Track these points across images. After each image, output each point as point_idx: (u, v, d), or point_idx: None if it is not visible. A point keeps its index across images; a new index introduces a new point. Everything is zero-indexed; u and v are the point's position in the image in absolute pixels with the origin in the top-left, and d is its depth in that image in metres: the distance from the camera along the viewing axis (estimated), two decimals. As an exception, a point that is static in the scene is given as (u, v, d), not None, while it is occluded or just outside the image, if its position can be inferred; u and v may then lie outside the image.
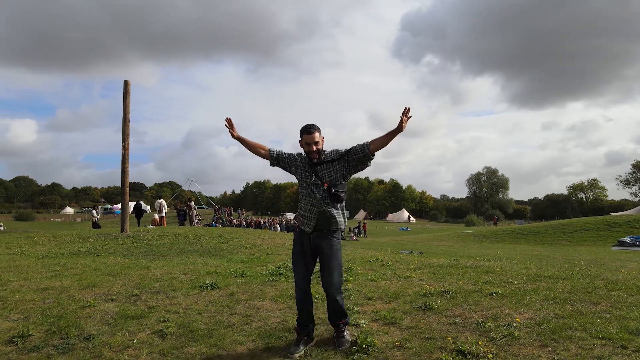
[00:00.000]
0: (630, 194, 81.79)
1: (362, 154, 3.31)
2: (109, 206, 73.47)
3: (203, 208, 64.16)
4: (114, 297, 4.69)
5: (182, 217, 22.98)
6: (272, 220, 41.34)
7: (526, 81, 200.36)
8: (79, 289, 5.08)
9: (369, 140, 3.33)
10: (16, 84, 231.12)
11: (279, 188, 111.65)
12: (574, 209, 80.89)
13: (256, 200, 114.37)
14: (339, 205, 3.40)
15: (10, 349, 3.42)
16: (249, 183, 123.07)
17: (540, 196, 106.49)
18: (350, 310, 4.12)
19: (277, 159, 3.55)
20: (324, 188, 3.34)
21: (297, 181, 3.55)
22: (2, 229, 35.48)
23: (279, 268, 6.28)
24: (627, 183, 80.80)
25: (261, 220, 39.98)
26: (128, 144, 11.87)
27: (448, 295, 4.49)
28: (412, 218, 76.06)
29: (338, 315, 3.39)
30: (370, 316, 3.97)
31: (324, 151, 3.44)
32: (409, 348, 3.20)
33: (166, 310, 4.25)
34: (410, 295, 4.58)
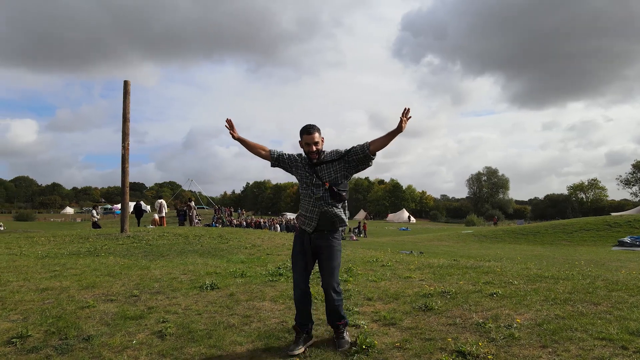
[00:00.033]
0: (631, 194, 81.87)
1: (362, 155, 3.31)
2: (109, 206, 73.51)
3: (203, 208, 64.18)
4: (114, 298, 4.68)
5: (182, 217, 22.97)
6: (272, 220, 41.33)
7: (527, 81, 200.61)
8: (79, 289, 5.07)
9: (369, 141, 3.32)
10: (16, 84, 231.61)
11: (279, 188, 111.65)
12: (574, 209, 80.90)
13: (256, 200, 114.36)
14: (340, 205, 3.39)
15: (9, 349, 3.41)
16: (249, 183, 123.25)
17: (541, 196, 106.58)
18: (350, 310, 4.11)
19: (278, 160, 3.55)
20: (325, 188, 3.33)
21: (297, 181, 3.54)
22: (2, 229, 35.49)
23: (279, 268, 6.27)
24: (627, 183, 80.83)
25: (261, 220, 39.97)
26: (128, 144, 11.87)
27: (448, 296, 4.48)
28: (412, 218, 76.04)
29: (337, 316, 3.38)
30: (370, 317, 3.96)
31: (324, 151, 3.44)
32: (409, 349, 3.19)
33: (165, 310, 4.24)
34: (410, 296, 4.57)
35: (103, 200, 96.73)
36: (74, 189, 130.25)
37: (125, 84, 12.08)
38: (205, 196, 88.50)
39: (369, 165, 3.37)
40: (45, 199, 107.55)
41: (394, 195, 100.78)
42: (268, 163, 3.60)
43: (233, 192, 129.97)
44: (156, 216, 19.48)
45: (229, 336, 3.56)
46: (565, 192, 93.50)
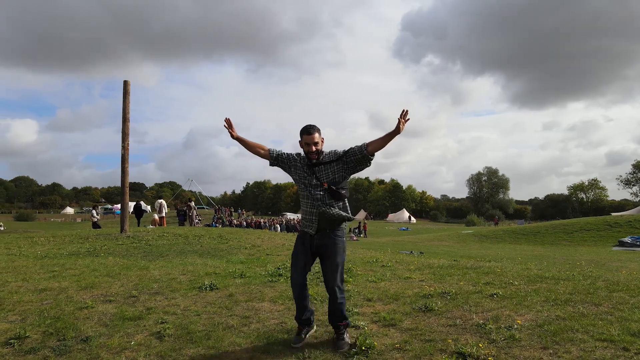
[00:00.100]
0: (631, 194, 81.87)
1: (360, 155, 3.31)
2: (109, 206, 73.58)
3: (203, 208, 64.20)
4: (112, 298, 4.66)
5: (182, 217, 22.96)
6: (272, 220, 41.31)
7: (527, 81, 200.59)
8: (77, 290, 5.05)
9: (367, 142, 3.32)
10: (16, 84, 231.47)
11: (279, 188, 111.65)
12: (575, 209, 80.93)
13: (256, 200, 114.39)
14: (341, 204, 3.39)
15: (7, 350, 3.39)
16: (249, 183, 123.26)
17: (541, 196, 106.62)
18: (349, 311, 4.09)
19: (277, 159, 3.55)
20: (324, 188, 3.33)
21: (294, 182, 3.54)
22: (2, 229, 35.49)
23: (279, 269, 6.25)
24: (627, 183, 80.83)
25: (261, 220, 39.95)
26: (128, 144, 11.85)
27: (448, 297, 4.46)
28: (412, 218, 76.03)
29: (339, 316, 3.37)
30: (370, 318, 3.94)
31: (322, 152, 3.43)
32: (408, 350, 3.17)
33: (164, 311, 4.22)
34: (410, 297, 4.56)
35: (103, 200, 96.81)
36: (74, 189, 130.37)
37: (125, 84, 12.06)
38: (206, 196, 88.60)
39: (367, 166, 3.36)
40: (46, 199, 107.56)
41: (394, 195, 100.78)
42: (267, 163, 3.60)
43: (233, 192, 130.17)
44: (156, 216, 19.46)
45: (227, 337, 3.54)
46: (566, 192, 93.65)
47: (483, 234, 28.19)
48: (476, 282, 5.11)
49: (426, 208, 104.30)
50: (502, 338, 3.26)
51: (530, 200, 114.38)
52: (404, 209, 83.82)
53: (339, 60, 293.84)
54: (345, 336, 3.34)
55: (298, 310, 3.48)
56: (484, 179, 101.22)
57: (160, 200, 20.10)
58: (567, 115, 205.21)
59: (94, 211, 21.91)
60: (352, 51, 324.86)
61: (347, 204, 3.48)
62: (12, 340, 3.51)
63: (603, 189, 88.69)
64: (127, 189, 12.02)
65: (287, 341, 3.45)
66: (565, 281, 5.04)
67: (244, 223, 36.06)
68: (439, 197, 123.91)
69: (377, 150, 3.30)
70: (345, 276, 5.59)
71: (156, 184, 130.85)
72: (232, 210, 45.72)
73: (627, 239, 21.02)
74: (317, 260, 3.51)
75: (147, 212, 30.29)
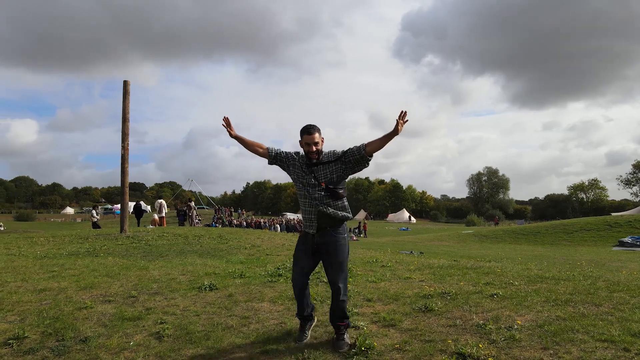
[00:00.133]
0: (631, 194, 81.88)
1: (358, 156, 3.31)
2: (109, 206, 73.56)
3: (203, 208, 64.16)
4: (112, 299, 4.65)
5: (182, 217, 22.95)
6: (273, 220, 41.29)
7: (527, 81, 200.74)
8: (77, 290, 5.04)
9: (366, 142, 3.32)
10: (16, 84, 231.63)
11: (279, 188, 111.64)
12: (575, 209, 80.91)
13: (256, 200, 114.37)
14: (339, 203, 3.39)
15: (5, 351, 3.38)
16: (249, 183, 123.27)
17: (541, 196, 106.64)
18: (349, 312, 4.06)
19: (276, 158, 3.56)
20: (321, 188, 3.34)
21: (292, 181, 3.56)
22: (2, 229, 35.47)
23: (278, 269, 6.23)
24: (627, 183, 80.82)
25: (261, 220, 39.93)
26: (127, 144, 11.84)
27: (448, 297, 4.45)
28: (412, 218, 76.04)
29: (340, 315, 3.37)
30: (370, 318, 3.93)
31: (322, 152, 3.44)
32: (408, 351, 3.16)
33: (164, 311, 4.21)
34: (410, 297, 4.54)
35: (103, 200, 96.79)
36: (74, 189, 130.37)
37: (125, 84, 12.05)
38: (206, 196, 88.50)
39: (365, 167, 3.37)
40: (46, 199, 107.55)
41: (394, 195, 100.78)
42: (267, 162, 3.61)
43: (233, 192, 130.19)
44: (156, 216, 19.45)
45: (227, 337, 3.53)
46: (566, 192, 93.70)
47: (483, 234, 28.19)
48: (476, 283, 5.10)
49: (426, 208, 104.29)
50: (503, 338, 3.25)
51: (530, 200, 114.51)
52: (404, 209, 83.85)
53: (339, 60, 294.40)
54: (345, 336, 3.34)
55: (299, 308, 3.51)
56: (484, 179, 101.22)
57: (160, 200, 20.09)
58: (567, 115, 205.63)
59: (93, 211, 21.89)
60: (352, 51, 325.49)
61: (346, 202, 3.48)
62: (10, 341, 3.50)
63: (603, 189, 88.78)
64: (127, 189, 12.01)
65: (286, 341, 3.44)
66: (565, 281, 5.03)
67: (244, 223, 36.04)
68: (439, 197, 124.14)
69: (375, 151, 3.31)
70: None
71: (156, 184, 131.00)
72: (232, 210, 45.70)
73: (627, 239, 21.02)
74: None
75: (147, 212, 30.30)
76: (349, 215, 3.45)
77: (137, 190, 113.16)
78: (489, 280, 5.18)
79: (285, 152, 3.58)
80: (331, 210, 3.34)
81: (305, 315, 3.52)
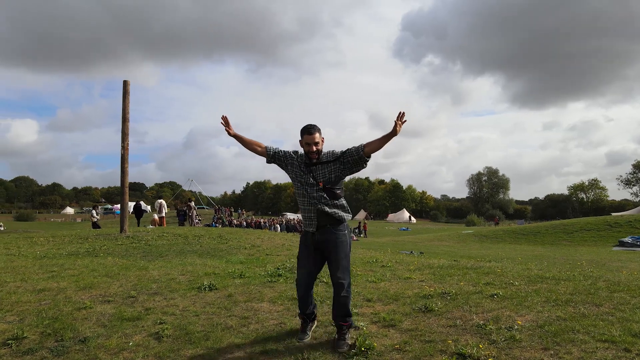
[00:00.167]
0: (631, 194, 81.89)
1: (357, 156, 3.33)
2: (109, 206, 73.55)
3: (203, 208, 64.16)
4: (111, 299, 4.64)
5: (182, 217, 22.94)
6: (273, 220, 41.28)
7: (527, 81, 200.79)
8: (76, 290, 5.03)
9: (364, 143, 3.34)
10: (16, 84, 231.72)
11: (279, 188, 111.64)
12: (575, 209, 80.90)
13: (256, 200, 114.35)
14: (337, 202, 3.40)
15: (4, 351, 3.37)
16: (249, 183, 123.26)
17: (541, 196, 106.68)
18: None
19: (274, 157, 3.58)
20: (319, 188, 3.36)
21: (290, 179, 3.57)
22: (2, 229, 35.46)
23: (278, 269, 6.22)
24: (627, 183, 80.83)
25: (261, 220, 39.92)
26: (127, 144, 11.83)
27: (448, 297, 4.44)
28: (412, 218, 76.03)
29: (344, 312, 3.36)
30: (370, 318, 3.92)
31: (322, 152, 3.45)
32: (408, 351, 3.15)
33: (163, 312, 4.20)
34: (410, 297, 4.53)
35: (103, 200, 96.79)
36: (74, 189, 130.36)
37: (125, 83, 12.04)
38: (206, 196, 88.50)
39: (363, 167, 3.39)
40: (46, 199, 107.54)
41: (394, 195, 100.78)
42: (270, 164, 3.63)
43: (233, 192, 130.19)
44: (156, 216, 19.44)
45: (226, 338, 3.52)
46: (566, 192, 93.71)
47: (483, 234, 28.18)
48: (476, 283, 5.09)
49: (426, 208, 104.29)
50: (503, 339, 3.24)
51: (531, 200, 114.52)
52: (404, 209, 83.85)
53: (339, 60, 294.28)
54: (346, 336, 3.33)
55: (302, 307, 3.51)
56: (484, 179, 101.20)
57: (160, 200, 20.08)
58: (567, 115, 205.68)
59: (93, 211, 21.88)
60: (352, 51, 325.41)
61: (344, 202, 3.49)
62: (9, 341, 3.49)
63: (603, 189, 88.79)
64: (127, 189, 11.99)
65: (286, 342, 3.43)
66: (565, 281, 5.02)
67: (244, 223, 36.03)
68: (439, 197, 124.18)
69: (373, 152, 3.33)
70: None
71: (156, 184, 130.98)
72: (232, 210, 45.69)
73: (628, 239, 21.01)
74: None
75: (147, 212, 30.30)
76: (347, 214, 3.47)
77: (137, 190, 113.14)
78: (489, 281, 5.17)
79: (284, 151, 3.60)
80: (328, 209, 3.35)
81: (307, 314, 3.52)
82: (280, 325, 3.80)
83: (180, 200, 75.65)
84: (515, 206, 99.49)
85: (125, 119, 11.85)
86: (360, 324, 3.73)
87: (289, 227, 35.30)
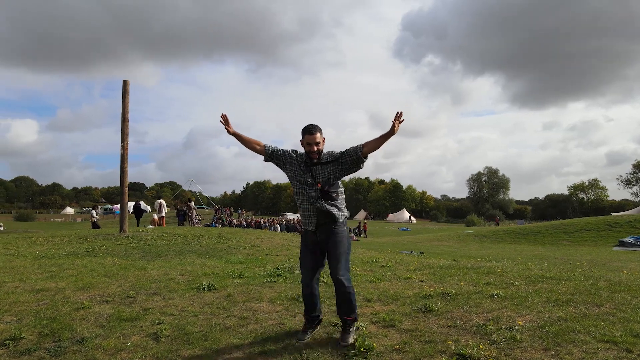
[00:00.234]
0: (631, 194, 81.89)
1: (355, 157, 3.34)
2: (109, 206, 73.53)
3: (203, 208, 64.16)
4: (109, 299, 4.62)
5: (182, 217, 22.91)
6: (272, 220, 41.24)
7: (527, 81, 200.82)
8: (74, 290, 5.01)
9: (363, 143, 3.35)
10: (16, 84, 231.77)
11: (279, 188, 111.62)
12: (575, 209, 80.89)
13: (256, 200, 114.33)
14: (335, 202, 3.42)
15: (1, 351, 3.35)
16: (249, 183, 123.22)
17: (541, 196, 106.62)
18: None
19: (272, 156, 3.59)
20: (317, 188, 3.38)
21: (289, 179, 3.58)
22: (2, 229, 35.43)
23: (278, 269, 6.20)
24: (627, 183, 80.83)
25: (261, 220, 39.89)
26: (127, 143, 11.81)
27: (448, 297, 4.41)
28: (412, 218, 76.02)
29: (348, 307, 3.37)
30: (369, 318, 3.90)
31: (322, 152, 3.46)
32: (408, 352, 3.12)
33: (161, 312, 4.18)
34: (410, 297, 4.51)
35: (103, 200, 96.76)
36: (74, 189, 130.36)
37: (124, 83, 12.02)
38: (206, 196, 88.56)
39: (360, 168, 3.40)
40: (46, 199, 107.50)
41: (394, 195, 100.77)
42: (270, 164, 3.64)
43: (233, 192, 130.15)
44: (155, 216, 19.44)
45: (225, 338, 3.50)
46: (566, 192, 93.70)
47: (483, 234, 28.17)
48: (477, 283, 5.06)
49: (426, 208, 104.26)
50: (503, 339, 3.22)
51: (531, 200, 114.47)
52: (404, 209, 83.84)
53: (339, 60, 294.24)
54: (351, 329, 3.36)
55: (307, 307, 3.53)
56: (484, 179, 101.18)
57: (159, 200, 20.08)
58: (567, 115, 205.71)
59: (93, 211, 21.87)
60: (352, 51, 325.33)
61: (342, 201, 3.51)
62: (7, 342, 3.47)
63: (603, 189, 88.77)
64: (126, 189, 11.98)
65: (285, 342, 3.41)
66: (566, 281, 5.00)
67: (244, 223, 36.01)
68: (439, 197, 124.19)
69: (371, 152, 3.33)
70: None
71: (156, 184, 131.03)
72: (232, 210, 45.67)
73: (628, 239, 21.00)
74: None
75: (146, 212, 30.30)
76: (346, 212, 3.50)
77: (137, 190, 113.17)
78: (490, 281, 5.15)
79: (283, 149, 3.61)
80: (328, 207, 3.37)
81: (312, 316, 3.53)
82: (280, 326, 3.78)
83: (180, 200, 75.64)
84: (515, 206, 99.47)
85: (124, 119, 11.83)
86: (360, 324, 3.71)
87: (288, 227, 35.27)
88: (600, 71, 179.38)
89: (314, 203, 3.36)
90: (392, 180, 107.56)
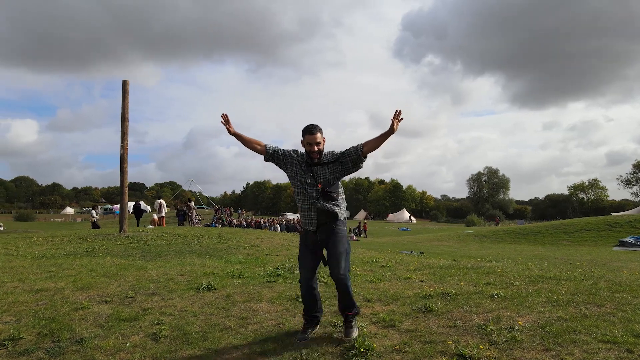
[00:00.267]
0: (631, 194, 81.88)
1: (355, 157, 3.36)
2: (109, 206, 73.52)
3: (203, 208, 64.14)
4: (108, 299, 4.61)
5: (182, 217, 22.90)
6: (272, 220, 41.22)
7: (527, 81, 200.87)
8: (74, 290, 5.00)
9: (363, 142, 3.35)
10: (16, 84, 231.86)
11: (279, 188, 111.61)
12: (575, 209, 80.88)
13: (256, 200, 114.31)
14: (335, 202, 3.43)
15: (0, 352, 3.34)
16: (249, 183, 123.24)
17: (541, 196, 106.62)
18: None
19: (272, 156, 3.59)
20: (317, 188, 3.38)
21: (289, 179, 3.58)
22: (2, 229, 35.41)
23: (277, 269, 6.19)
24: (627, 183, 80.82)
25: (261, 220, 39.87)
26: (127, 143, 11.79)
27: (448, 297, 4.40)
28: (412, 218, 76.01)
29: (348, 303, 3.39)
30: (369, 319, 3.88)
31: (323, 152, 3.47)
32: (408, 352, 3.11)
33: (161, 312, 4.17)
34: (410, 297, 4.50)
35: (103, 200, 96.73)
36: (74, 189, 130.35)
37: (124, 83, 12.01)
38: (206, 196, 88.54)
39: (360, 168, 3.41)
40: (46, 199, 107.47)
41: (394, 195, 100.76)
42: (270, 164, 3.65)
43: (233, 192, 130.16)
44: (155, 216, 19.43)
45: (224, 338, 3.49)
46: (566, 192, 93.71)
47: (483, 234, 28.15)
48: (477, 283, 5.05)
49: (426, 208, 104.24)
50: (504, 339, 3.21)
51: (531, 200, 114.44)
52: (404, 209, 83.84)
53: (339, 60, 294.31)
54: (353, 323, 3.40)
55: (307, 307, 3.53)
56: (484, 179, 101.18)
57: (159, 200, 20.07)
58: (567, 115, 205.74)
59: (93, 211, 21.86)
60: (352, 51, 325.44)
61: (343, 201, 3.51)
62: (6, 342, 3.46)
63: (603, 189, 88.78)
64: (126, 189, 11.96)
65: (284, 342, 3.40)
66: (567, 281, 4.99)
67: (244, 223, 35.99)
68: (439, 197, 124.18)
69: (371, 151, 3.34)
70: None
71: (156, 184, 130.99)
72: (232, 210, 45.65)
73: (628, 239, 20.98)
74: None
75: (146, 212, 30.29)
76: (345, 211, 3.51)
77: (137, 190, 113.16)
78: (490, 281, 5.14)
79: (283, 149, 3.61)
80: (328, 206, 3.38)
81: (312, 315, 3.53)
82: (279, 326, 3.77)
83: (180, 200, 75.61)
84: (515, 206, 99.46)
85: (124, 119, 11.82)
86: (360, 324, 3.70)
87: (288, 227, 35.25)
88: (600, 71, 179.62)
89: (315, 203, 3.37)
90: (392, 180, 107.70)
